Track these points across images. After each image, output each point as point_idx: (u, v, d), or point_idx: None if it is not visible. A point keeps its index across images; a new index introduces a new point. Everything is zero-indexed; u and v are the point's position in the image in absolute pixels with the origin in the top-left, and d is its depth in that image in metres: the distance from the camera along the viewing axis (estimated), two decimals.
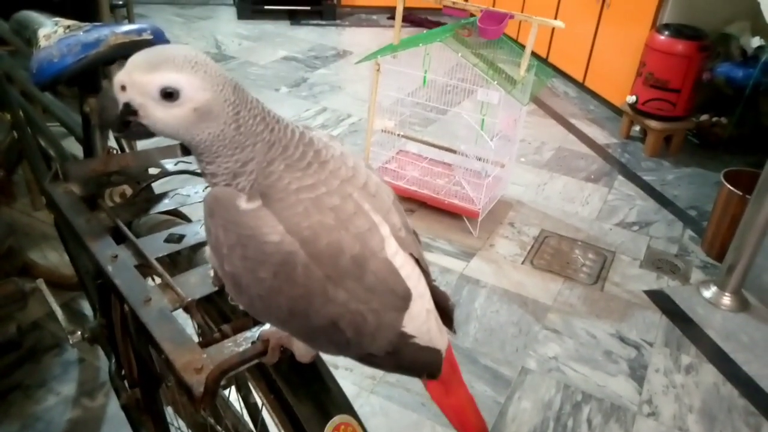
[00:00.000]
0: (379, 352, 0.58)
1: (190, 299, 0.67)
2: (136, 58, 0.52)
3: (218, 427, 0.99)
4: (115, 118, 0.53)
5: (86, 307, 1.84)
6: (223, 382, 0.54)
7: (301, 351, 0.61)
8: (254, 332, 0.61)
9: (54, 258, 2.00)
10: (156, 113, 0.52)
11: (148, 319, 0.62)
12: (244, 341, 0.60)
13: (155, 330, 0.61)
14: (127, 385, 1.19)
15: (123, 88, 0.52)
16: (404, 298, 0.58)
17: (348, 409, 0.64)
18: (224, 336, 0.61)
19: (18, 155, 1.88)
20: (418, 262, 0.62)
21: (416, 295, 0.59)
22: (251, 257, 0.52)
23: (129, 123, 0.53)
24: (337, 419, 0.62)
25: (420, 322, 0.60)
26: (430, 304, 0.62)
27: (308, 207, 0.53)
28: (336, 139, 0.62)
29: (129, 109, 0.53)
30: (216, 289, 0.69)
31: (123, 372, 1.21)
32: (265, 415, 0.81)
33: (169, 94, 0.51)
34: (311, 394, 0.64)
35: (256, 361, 0.58)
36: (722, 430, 1.62)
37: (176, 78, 0.51)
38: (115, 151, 1.03)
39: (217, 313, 0.66)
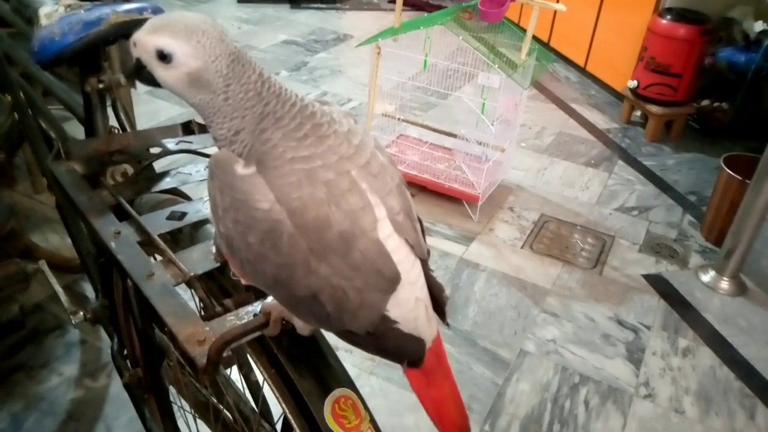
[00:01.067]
0: (360, 331, 0.58)
1: (192, 274, 0.67)
2: (151, 20, 0.58)
3: (220, 405, 1.00)
4: (130, 67, 0.60)
5: (88, 289, 1.85)
6: (226, 353, 0.55)
7: (301, 324, 0.62)
8: (256, 306, 0.62)
9: (56, 240, 2.01)
10: (157, 71, 0.58)
11: (152, 293, 0.63)
12: (245, 315, 0.61)
13: (158, 304, 0.61)
14: (129, 364, 1.20)
15: (134, 44, 0.59)
16: (391, 281, 0.57)
17: (348, 383, 0.65)
18: (226, 310, 0.62)
19: (19, 137, 1.88)
20: (414, 248, 0.61)
21: (406, 280, 0.58)
22: (242, 222, 0.54)
23: (141, 71, 0.60)
24: (337, 392, 0.63)
25: (407, 308, 0.59)
26: (422, 292, 0.61)
27: (301, 178, 0.54)
28: (350, 115, 0.62)
29: (140, 63, 0.59)
30: (218, 264, 0.70)
31: (125, 352, 1.22)
32: (267, 392, 0.82)
33: (163, 56, 0.56)
34: (312, 369, 0.65)
35: (257, 333, 0.59)
36: (718, 412, 1.64)
37: (169, 43, 0.56)
38: (116, 131, 1.03)
39: (219, 288, 0.67)
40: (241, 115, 0.56)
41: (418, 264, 0.61)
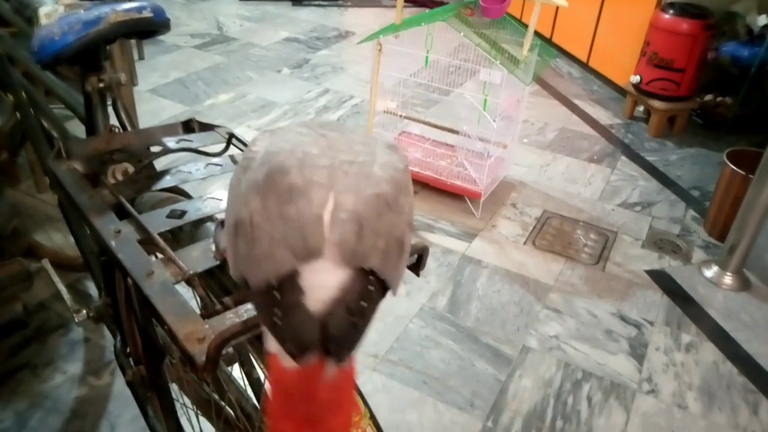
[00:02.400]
0: (256, 285, 0.53)
1: (192, 272, 0.68)
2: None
3: (222, 402, 1.01)
4: None
5: (91, 288, 1.86)
6: (228, 351, 0.55)
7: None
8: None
9: (59, 239, 2.02)
10: None
11: (151, 291, 0.63)
12: (245, 312, 0.61)
13: (158, 302, 0.62)
14: (132, 362, 1.21)
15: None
16: (309, 252, 0.52)
17: None
18: (226, 308, 0.62)
19: (21, 137, 1.89)
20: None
21: (326, 269, 0.52)
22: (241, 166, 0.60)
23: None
24: None
25: (313, 292, 0.51)
26: (340, 294, 0.52)
27: (294, 136, 0.58)
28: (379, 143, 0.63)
29: None
30: (218, 263, 0.70)
31: (128, 350, 1.22)
32: (268, 388, 0.82)
33: None
34: None
35: (257, 331, 0.59)
36: (721, 407, 1.64)
37: None
38: (117, 130, 1.04)
39: (219, 286, 0.67)
40: None
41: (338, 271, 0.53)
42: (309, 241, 0.52)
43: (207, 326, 0.58)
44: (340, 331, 0.50)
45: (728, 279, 2.07)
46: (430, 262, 2.10)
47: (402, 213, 0.57)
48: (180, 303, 0.62)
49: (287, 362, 0.51)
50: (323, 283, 0.52)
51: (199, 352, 0.54)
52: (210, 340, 0.55)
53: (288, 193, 0.53)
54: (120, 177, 0.93)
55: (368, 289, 0.53)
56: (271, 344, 0.52)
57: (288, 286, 0.51)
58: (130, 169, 0.94)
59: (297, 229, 0.52)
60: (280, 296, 0.51)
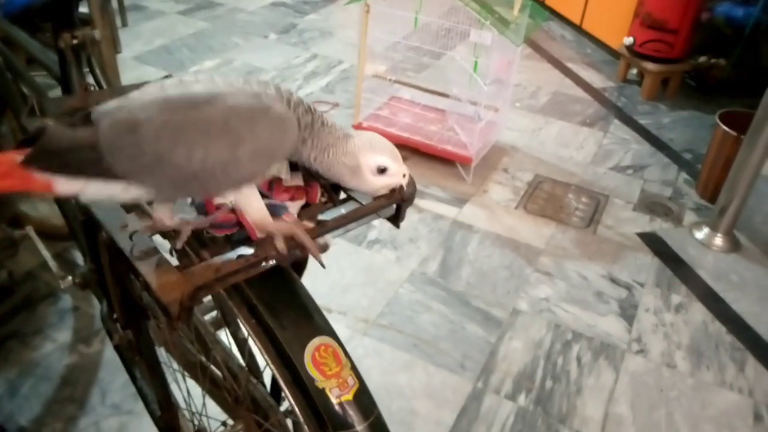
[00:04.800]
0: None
1: (168, 224, 0.66)
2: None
3: (208, 363, 1.00)
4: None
5: (78, 257, 1.84)
6: (213, 315, 0.54)
7: (310, 242, 0.62)
8: (232, 255, 0.61)
9: (44, 209, 1.99)
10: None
11: (125, 244, 0.62)
12: (221, 264, 0.59)
13: (132, 254, 0.60)
14: (119, 327, 1.20)
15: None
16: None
17: (329, 332, 0.64)
18: (202, 260, 0.61)
19: (1, 105, 1.85)
20: None
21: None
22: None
23: None
24: (317, 341, 0.62)
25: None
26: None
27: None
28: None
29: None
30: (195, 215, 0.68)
31: (114, 315, 1.21)
32: (253, 346, 0.81)
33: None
34: (292, 319, 0.64)
35: (231, 280, 0.58)
36: (709, 366, 1.65)
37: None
38: (93, 88, 1.01)
39: (196, 240, 0.66)
40: None
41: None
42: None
43: (182, 277, 0.57)
44: None
45: (719, 240, 2.07)
46: (421, 228, 2.09)
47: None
48: (154, 255, 0.60)
49: None
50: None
51: (173, 301, 0.53)
52: (183, 290, 0.54)
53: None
54: None
55: None
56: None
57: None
58: None
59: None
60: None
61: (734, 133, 2.14)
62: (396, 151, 0.68)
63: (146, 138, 0.57)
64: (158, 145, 0.57)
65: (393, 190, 0.68)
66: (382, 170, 0.66)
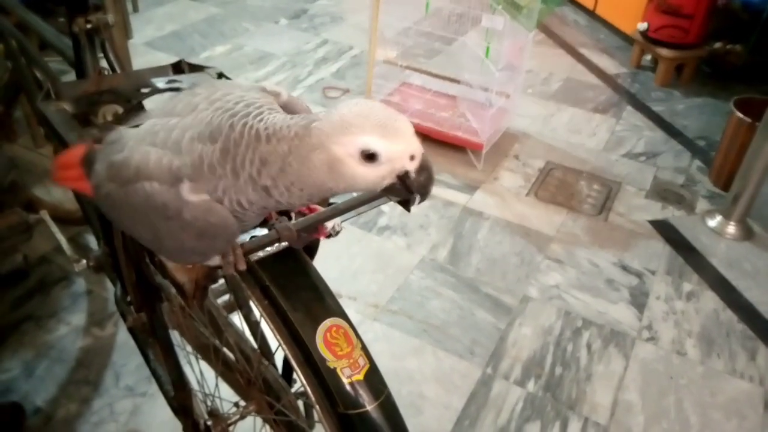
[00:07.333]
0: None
1: None
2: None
3: (221, 346, 1.01)
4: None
5: (91, 241, 1.86)
6: (225, 298, 0.55)
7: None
8: (245, 236, 0.61)
9: (58, 194, 2.01)
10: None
11: None
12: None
13: None
14: (132, 309, 1.21)
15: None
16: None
17: (340, 313, 0.65)
18: None
19: (15, 89, 1.86)
20: None
21: None
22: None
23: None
24: (328, 322, 0.63)
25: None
26: None
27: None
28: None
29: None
30: None
31: (128, 298, 1.23)
32: (265, 328, 0.82)
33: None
34: (304, 301, 0.65)
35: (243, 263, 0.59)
36: (720, 354, 1.65)
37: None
38: (106, 72, 1.01)
39: None
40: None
41: None
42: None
43: None
44: None
45: (731, 228, 2.05)
46: (431, 215, 2.09)
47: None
48: None
49: None
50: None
51: (189, 281, 0.54)
52: (197, 270, 0.54)
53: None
54: (110, 118, 0.91)
55: None
56: None
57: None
58: (120, 110, 0.92)
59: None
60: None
61: (749, 120, 2.11)
62: (393, 122, 0.50)
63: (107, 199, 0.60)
64: (113, 211, 0.60)
65: (402, 179, 0.52)
66: (369, 156, 0.49)
